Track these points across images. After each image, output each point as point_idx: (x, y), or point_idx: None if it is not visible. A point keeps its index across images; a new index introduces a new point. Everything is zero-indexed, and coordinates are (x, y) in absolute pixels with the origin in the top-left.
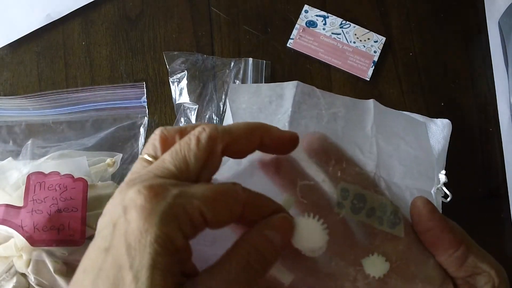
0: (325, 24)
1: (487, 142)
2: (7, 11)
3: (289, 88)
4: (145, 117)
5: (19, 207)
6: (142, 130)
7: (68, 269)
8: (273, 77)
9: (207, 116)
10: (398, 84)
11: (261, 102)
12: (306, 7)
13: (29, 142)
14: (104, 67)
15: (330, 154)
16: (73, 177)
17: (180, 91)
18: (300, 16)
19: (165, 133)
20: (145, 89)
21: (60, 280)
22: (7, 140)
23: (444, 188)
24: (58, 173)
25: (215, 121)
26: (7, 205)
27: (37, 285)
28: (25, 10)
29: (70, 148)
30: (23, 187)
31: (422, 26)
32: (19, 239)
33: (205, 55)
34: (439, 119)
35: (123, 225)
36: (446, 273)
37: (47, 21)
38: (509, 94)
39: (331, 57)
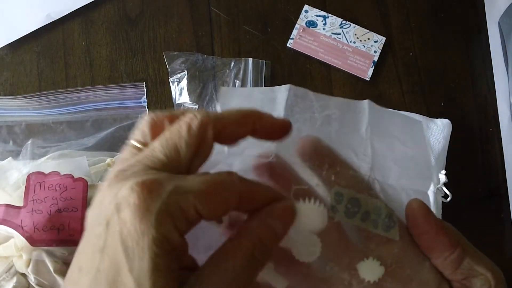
0: (325, 24)
1: (487, 142)
2: (7, 11)
3: (282, 92)
4: None
5: (19, 207)
6: None
7: (68, 269)
8: (273, 77)
9: None
10: (398, 84)
11: (253, 106)
12: (306, 7)
13: (29, 142)
14: (104, 67)
15: (323, 158)
16: (73, 177)
17: (180, 91)
18: (300, 16)
19: (154, 118)
20: (145, 89)
21: (60, 280)
22: (7, 140)
23: (444, 188)
24: (58, 173)
25: None
26: (7, 205)
27: (37, 285)
28: (25, 10)
29: (70, 148)
30: (23, 187)
31: (422, 26)
32: (19, 239)
33: (205, 55)
34: (439, 119)
35: (117, 224)
36: (442, 276)
37: (47, 21)
38: (509, 94)
39: (331, 57)
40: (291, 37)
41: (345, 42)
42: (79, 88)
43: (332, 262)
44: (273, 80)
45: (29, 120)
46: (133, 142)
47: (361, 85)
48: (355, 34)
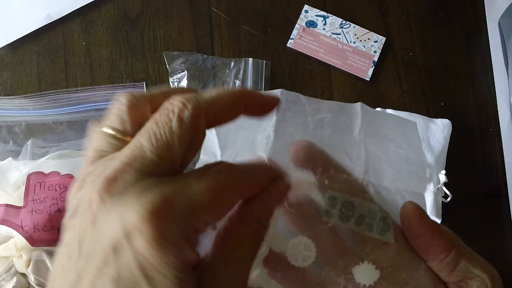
0: (325, 24)
1: (487, 142)
2: (7, 11)
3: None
4: None
5: (19, 207)
6: None
7: None
8: (273, 77)
9: None
10: (398, 84)
11: None
12: (306, 7)
13: (29, 142)
14: (104, 67)
15: (317, 162)
16: (73, 177)
17: None
18: (300, 16)
19: (133, 101)
20: (145, 89)
21: None
22: (7, 140)
23: (444, 188)
24: (58, 173)
25: None
26: (7, 205)
27: (37, 285)
28: (25, 10)
29: (70, 148)
30: (23, 187)
31: (422, 26)
32: (19, 239)
33: (205, 55)
34: (439, 119)
35: (131, 254)
36: (438, 278)
37: (47, 21)
38: (509, 94)
39: (331, 57)
40: (291, 37)
41: (345, 42)
42: (79, 88)
43: (327, 267)
44: (273, 80)
45: (29, 120)
46: (108, 129)
47: (361, 85)
48: (355, 34)
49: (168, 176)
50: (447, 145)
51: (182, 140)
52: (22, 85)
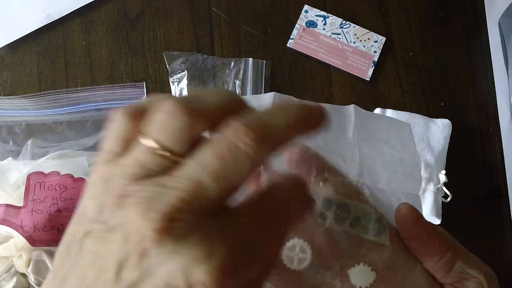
0: (325, 24)
1: (487, 142)
2: (7, 11)
3: (266, 100)
4: None
5: (19, 207)
6: None
7: None
8: (273, 77)
9: None
10: (398, 84)
11: None
12: (306, 7)
13: (29, 142)
14: (104, 67)
15: (311, 165)
16: (73, 177)
17: (180, 91)
18: (300, 16)
19: (195, 119)
20: (145, 89)
21: None
22: (7, 140)
23: (444, 188)
24: (58, 173)
25: None
26: (7, 205)
27: (37, 285)
28: (25, 10)
29: (70, 148)
30: (23, 187)
31: (422, 26)
32: (19, 239)
33: (205, 55)
34: (439, 119)
35: None
36: (435, 280)
37: (47, 21)
38: (509, 94)
39: (331, 57)
40: (291, 37)
41: (345, 42)
42: (79, 88)
43: (323, 269)
44: (273, 80)
45: (29, 120)
46: (160, 151)
47: (361, 85)
48: (355, 34)
49: (229, 216)
50: (447, 145)
51: (245, 179)
52: (22, 85)
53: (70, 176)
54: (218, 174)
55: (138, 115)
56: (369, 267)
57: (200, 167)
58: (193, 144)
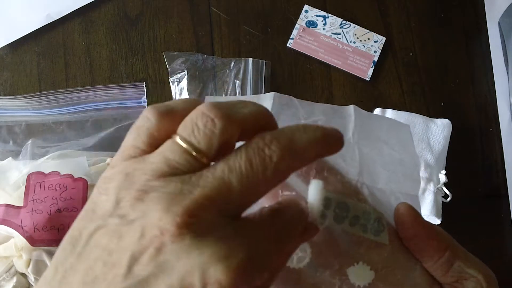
0: (325, 24)
1: (487, 142)
2: (7, 11)
3: (266, 100)
4: None
5: (19, 207)
6: None
7: None
8: (273, 77)
9: None
10: (398, 84)
11: None
12: (306, 7)
13: (29, 142)
14: (104, 67)
15: (310, 164)
16: (73, 177)
17: (180, 91)
18: (300, 16)
19: (228, 126)
20: (145, 89)
21: None
22: (7, 140)
23: (444, 188)
24: (58, 173)
25: None
26: (7, 205)
27: None
28: (25, 10)
29: (70, 148)
30: (23, 187)
31: (422, 26)
32: (19, 239)
33: (205, 55)
34: (439, 119)
35: None
36: (434, 279)
37: (47, 21)
38: (509, 94)
39: (331, 57)
40: (291, 37)
41: (345, 42)
42: (79, 88)
43: (322, 268)
44: (273, 80)
45: (29, 120)
46: (191, 150)
47: (361, 85)
48: (355, 34)
49: (244, 223)
50: (447, 145)
51: (269, 189)
52: (22, 85)
53: (70, 176)
54: (244, 176)
55: (169, 115)
56: (368, 266)
57: (228, 168)
58: (222, 149)
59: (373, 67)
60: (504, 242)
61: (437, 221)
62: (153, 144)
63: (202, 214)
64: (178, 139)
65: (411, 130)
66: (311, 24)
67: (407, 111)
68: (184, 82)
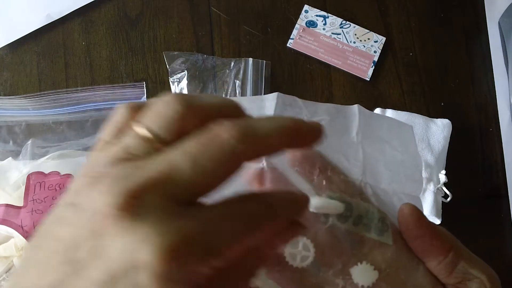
0: (325, 24)
1: (487, 142)
2: (7, 11)
3: (270, 100)
4: None
5: (19, 207)
6: None
7: None
8: (273, 77)
9: None
10: (398, 84)
11: None
12: (306, 7)
13: (29, 142)
14: (104, 67)
15: (314, 163)
16: (73, 177)
17: (180, 91)
18: (300, 16)
19: (187, 111)
20: (145, 89)
21: None
22: (7, 140)
23: (444, 188)
24: (58, 173)
25: None
26: (7, 205)
27: None
28: (25, 10)
29: (70, 148)
30: (23, 187)
31: (422, 26)
32: (19, 239)
33: (205, 55)
34: (439, 119)
35: (131, 287)
36: (437, 280)
37: (47, 21)
38: (509, 94)
39: (331, 57)
40: (291, 37)
41: (345, 42)
42: (79, 88)
43: (325, 267)
44: (273, 80)
45: (29, 120)
46: (149, 135)
47: (361, 85)
48: (355, 34)
49: (192, 207)
50: (447, 145)
51: (226, 174)
52: (22, 85)
53: (70, 176)
54: (195, 158)
55: (137, 109)
56: (371, 266)
57: (179, 152)
58: (182, 135)
59: (373, 67)
60: (504, 242)
61: (437, 221)
62: (118, 135)
63: (146, 196)
64: (135, 126)
65: None
66: (311, 24)
67: (407, 111)
68: (184, 82)
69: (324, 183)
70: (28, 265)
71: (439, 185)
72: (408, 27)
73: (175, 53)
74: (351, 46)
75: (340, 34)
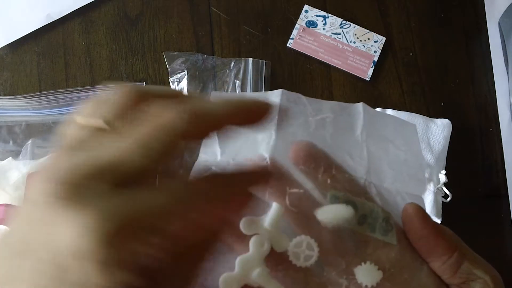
0: (325, 24)
1: (487, 142)
2: (7, 11)
3: (274, 97)
4: None
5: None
6: None
7: None
8: (273, 77)
9: None
10: (398, 84)
11: None
12: (306, 7)
13: (29, 142)
14: (104, 67)
15: (318, 162)
16: None
17: (180, 91)
18: (300, 16)
19: (138, 99)
20: None
21: None
22: (7, 140)
23: (444, 188)
24: None
25: None
26: (7, 205)
27: None
28: (25, 10)
29: None
30: (23, 187)
31: (422, 26)
32: None
33: (205, 55)
34: (439, 119)
35: (76, 274)
36: (441, 280)
37: (47, 21)
38: (509, 94)
39: (331, 57)
40: (291, 37)
41: (345, 42)
42: (79, 88)
43: (329, 267)
44: (273, 80)
45: (29, 120)
46: (102, 123)
47: (361, 85)
48: (355, 34)
49: (136, 189)
50: (447, 145)
51: (172, 154)
52: (22, 85)
53: None
54: (144, 140)
55: (102, 104)
56: (375, 266)
57: (121, 135)
58: (132, 121)
59: (373, 67)
60: (504, 242)
61: (437, 221)
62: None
63: (88, 183)
64: (91, 118)
65: None
66: (311, 24)
67: (407, 111)
68: (184, 82)
69: (328, 181)
70: None
71: (439, 185)
72: (408, 27)
73: (175, 53)
74: (351, 46)
75: (340, 34)
